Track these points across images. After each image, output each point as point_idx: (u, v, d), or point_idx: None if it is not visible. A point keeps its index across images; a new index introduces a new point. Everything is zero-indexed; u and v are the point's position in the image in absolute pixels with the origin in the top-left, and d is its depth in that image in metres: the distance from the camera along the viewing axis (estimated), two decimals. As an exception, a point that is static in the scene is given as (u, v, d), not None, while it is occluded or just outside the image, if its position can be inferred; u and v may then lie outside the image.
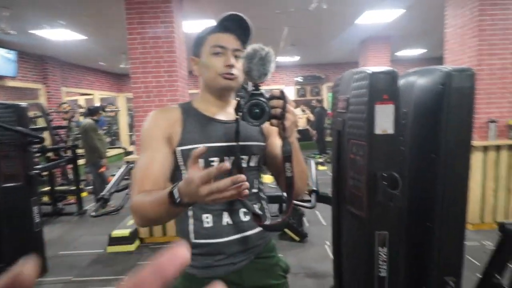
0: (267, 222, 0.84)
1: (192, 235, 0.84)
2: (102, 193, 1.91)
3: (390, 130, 1.25)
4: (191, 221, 0.84)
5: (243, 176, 0.58)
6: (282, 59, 7.56)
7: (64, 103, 5.70)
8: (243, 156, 0.86)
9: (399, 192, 1.19)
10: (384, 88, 1.22)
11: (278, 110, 0.72)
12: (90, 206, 4.52)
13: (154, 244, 3.16)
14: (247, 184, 0.60)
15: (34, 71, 5.92)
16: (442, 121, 1.28)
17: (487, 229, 3.07)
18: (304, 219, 3.55)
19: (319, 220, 3.65)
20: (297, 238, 3.02)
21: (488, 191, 3.07)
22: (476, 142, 3.02)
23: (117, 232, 3.11)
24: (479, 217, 3.10)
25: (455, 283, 1.37)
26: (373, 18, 4.57)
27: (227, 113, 0.90)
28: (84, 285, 2.48)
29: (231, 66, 0.82)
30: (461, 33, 3.09)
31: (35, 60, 5.92)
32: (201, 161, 0.81)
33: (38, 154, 4.47)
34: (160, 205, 0.68)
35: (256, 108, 0.71)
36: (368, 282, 1.36)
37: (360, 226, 1.39)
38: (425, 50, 7.56)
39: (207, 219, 0.83)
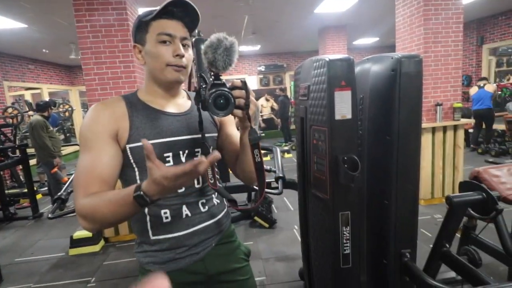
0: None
1: (150, 232, 0.83)
2: (59, 194, 1.79)
3: (348, 115, 1.31)
4: (148, 218, 0.82)
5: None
6: (244, 48, 7.52)
7: (9, 107, 5.17)
8: (198, 149, 0.85)
9: (359, 174, 1.26)
10: (341, 75, 1.27)
11: (242, 100, 0.72)
12: (46, 208, 4.22)
13: (120, 243, 3.05)
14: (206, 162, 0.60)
15: (-33, 64, 5.28)
16: (395, 105, 1.37)
17: (437, 203, 3.38)
18: (273, 206, 3.64)
19: (287, 205, 3.75)
20: (266, 225, 3.08)
21: (437, 169, 3.37)
22: (425, 124, 3.27)
23: (80, 233, 2.95)
24: (430, 193, 3.40)
25: (411, 254, 1.51)
26: (330, 7, 4.70)
27: (177, 105, 0.88)
28: (45, 292, 2.34)
29: (181, 56, 0.78)
30: (409, 22, 3.29)
31: (-33, 51, 5.27)
32: None
33: (-21, 156, 4.05)
34: (122, 207, 0.65)
35: (221, 99, 0.71)
36: (334, 260, 1.44)
37: (325, 208, 1.46)
38: (377, 39, 7.95)
39: (166, 215, 0.82)
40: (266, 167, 2.07)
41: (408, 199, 1.48)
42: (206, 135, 0.86)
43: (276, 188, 1.86)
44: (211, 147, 0.87)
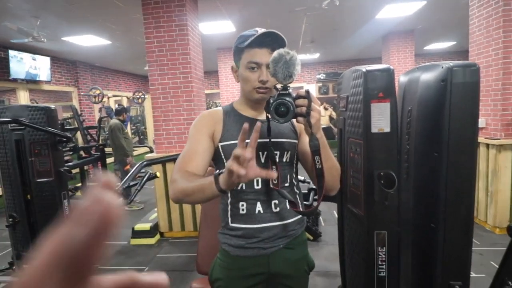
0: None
1: (229, 219, 0.97)
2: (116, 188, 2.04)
3: (386, 128, 1.23)
4: (229, 207, 0.97)
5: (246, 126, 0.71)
6: (302, 56, 7.49)
7: (94, 87, 6.05)
8: (276, 152, 0.95)
9: (394, 191, 1.18)
10: (379, 86, 1.21)
11: (304, 109, 0.79)
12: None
13: (173, 238, 3.30)
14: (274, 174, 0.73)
15: (67, 75, 6.35)
16: (444, 118, 1.24)
17: (517, 233, 2.87)
18: (320, 218, 3.53)
19: (335, 219, 3.60)
20: (311, 237, 3.01)
21: (518, 193, 2.88)
22: (503, 140, 2.83)
23: (139, 226, 3.28)
24: (508, 220, 2.91)
25: (462, 287, 1.33)
26: (394, 12, 4.41)
27: (263, 113, 0.99)
28: (109, 273, 2.66)
29: (264, 82, 0.91)
30: (486, 24, 2.90)
31: (67, 65, 6.35)
32: None
33: (70, 153, 4.82)
34: (203, 186, 0.79)
35: (282, 107, 0.79)
36: (368, 282, 1.35)
37: (360, 225, 1.38)
38: (454, 43, 7.14)
39: (242, 207, 0.95)
40: (300, 177, 2.04)
41: (459, 224, 1.31)
42: (283, 140, 0.97)
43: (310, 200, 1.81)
44: (288, 151, 0.98)
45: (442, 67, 1.25)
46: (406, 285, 1.51)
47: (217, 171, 0.83)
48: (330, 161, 0.90)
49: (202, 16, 3.63)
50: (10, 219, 2.58)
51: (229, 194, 0.96)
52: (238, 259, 0.96)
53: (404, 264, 1.50)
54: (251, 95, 0.95)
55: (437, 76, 1.28)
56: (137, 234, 3.25)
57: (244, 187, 0.95)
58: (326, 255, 2.72)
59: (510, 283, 1.33)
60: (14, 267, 2.57)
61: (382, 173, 1.22)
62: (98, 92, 5.91)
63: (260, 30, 0.91)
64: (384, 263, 1.31)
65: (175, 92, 3.13)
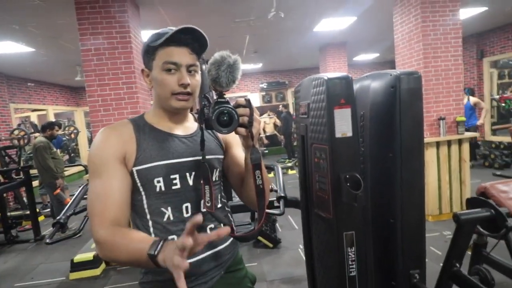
0: (240, 233, 0.85)
1: None
2: (57, 218, 1.76)
3: (349, 133, 1.30)
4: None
5: (199, 217, 0.58)
6: (246, 66, 7.64)
7: (16, 128, 5.26)
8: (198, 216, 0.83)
9: (362, 192, 1.24)
10: (340, 93, 1.27)
11: (246, 118, 0.72)
12: (48, 230, 4.18)
13: (121, 266, 2.99)
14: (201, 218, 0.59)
15: (-24, 88, 5.41)
16: (395, 121, 1.36)
17: (446, 219, 3.29)
18: (277, 224, 3.57)
19: (291, 224, 3.68)
20: (270, 245, 3.01)
21: (444, 184, 3.30)
22: (429, 138, 3.24)
23: (80, 257, 2.90)
24: (438, 208, 3.32)
25: (420, 275, 1.44)
26: (329, 26, 4.80)
27: (184, 127, 0.88)
28: None
29: (185, 86, 0.77)
30: (408, 38, 3.33)
31: (-24, 75, 5.42)
32: (160, 179, 0.78)
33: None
34: (136, 256, 0.66)
35: (224, 116, 0.71)
36: (340, 282, 1.38)
37: (328, 228, 1.42)
38: (377, 54, 8.05)
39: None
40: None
41: (414, 217, 1.44)
42: (211, 156, 0.85)
43: (278, 207, 1.82)
44: (217, 169, 0.88)
45: (391, 75, 1.38)
46: (371, 279, 1.59)
47: (151, 249, 0.62)
48: (264, 172, 0.81)
49: (144, 24, 3.44)
50: None
51: (151, 230, 0.78)
52: None
53: (368, 261, 1.58)
54: (169, 103, 0.79)
55: (387, 83, 1.40)
56: (77, 266, 2.86)
57: (171, 218, 0.79)
58: (288, 261, 2.74)
59: (457, 265, 1.50)
60: None
61: (348, 176, 1.27)
62: (22, 133, 5.12)
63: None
64: (354, 262, 1.36)
65: (118, 104, 2.88)
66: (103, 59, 2.81)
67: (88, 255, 2.88)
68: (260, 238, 3.02)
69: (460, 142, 3.31)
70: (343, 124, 1.30)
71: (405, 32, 3.38)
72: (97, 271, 2.85)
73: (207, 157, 0.83)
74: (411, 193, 1.40)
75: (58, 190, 3.74)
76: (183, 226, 0.78)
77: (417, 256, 1.46)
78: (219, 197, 0.90)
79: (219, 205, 0.89)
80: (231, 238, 0.91)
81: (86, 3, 2.74)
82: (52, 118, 7.23)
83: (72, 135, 6.95)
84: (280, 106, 8.00)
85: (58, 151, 6.60)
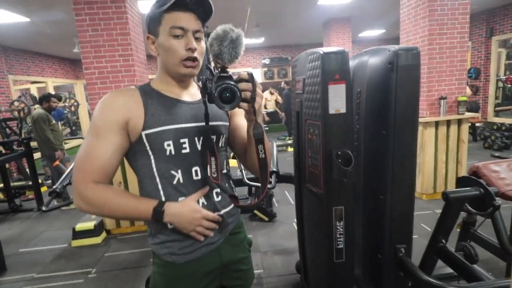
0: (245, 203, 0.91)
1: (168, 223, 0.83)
2: (54, 187, 1.81)
3: (342, 109, 1.29)
4: None
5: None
6: (248, 41, 7.46)
7: (16, 100, 5.24)
8: (213, 137, 0.85)
9: (352, 169, 1.25)
10: (335, 68, 1.25)
11: (248, 93, 0.72)
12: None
13: (122, 235, 3.09)
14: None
15: (-27, 58, 5.34)
16: (391, 98, 1.35)
17: (439, 199, 3.32)
18: (274, 199, 3.64)
19: (287, 199, 3.75)
20: (266, 218, 3.09)
21: (440, 164, 3.32)
22: (428, 118, 3.22)
23: (82, 225, 2.99)
24: (432, 187, 3.36)
25: (406, 249, 1.49)
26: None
27: (191, 94, 0.89)
28: (48, 281, 2.39)
29: (193, 50, 0.78)
30: (414, 13, 3.21)
31: (-27, 45, 5.33)
32: (170, 143, 0.80)
33: (-15, 149, 4.13)
34: (135, 211, 0.77)
35: (227, 92, 0.70)
36: (327, 254, 1.43)
37: (319, 203, 1.45)
38: (383, 31, 7.80)
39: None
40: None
41: (404, 194, 1.46)
42: (217, 123, 0.87)
43: (270, 182, 1.85)
44: (223, 135, 0.90)
45: (389, 51, 1.34)
46: (358, 252, 1.65)
47: (157, 204, 0.77)
48: (267, 144, 0.83)
49: (140, -7, 3.32)
50: None
51: (161, 192, 0.81)
52: (187, 265, 0.84)
53: (356, 234, 1.63)
54: (177, 69, 0.80)
55: (385, 59, 1.37)
56: (79, 234, 2.96)
57: (181, 181, 0.82)
58: (282, 234, 2.83)
59: (443, 240, 1.54)
60: None
61: (339, 152, 1.28)
62: (22, 105, 5.08)
63: None
64: (341, 236, 1.40)
65: (115, 77, 2.84)
66: (98, 30, 2.74)
67: (89, 224, 2.97)
68: (256, 212, 3.09)
69: (459, 122, 3.28)
70: (337, 100, 1.29)
71: (411, 7, 3.25)
72: (98, 239, 2.95)
73: (214, 123, 0.85)
74: (402, 170, 1.42)
75: (57, 162, 3.78)
76: (192, 188, 0.83)
77: (404, 231, 1.51)
78: (224, 163, 0.92)
79: (224, 171, 0.91)
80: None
81: (80, -30, 2.64)
82: (51, 91, 7.19)
83: (73, 108, 6.94)
84: (282, 82, 7.88)
85: (60, 124, 6.64)
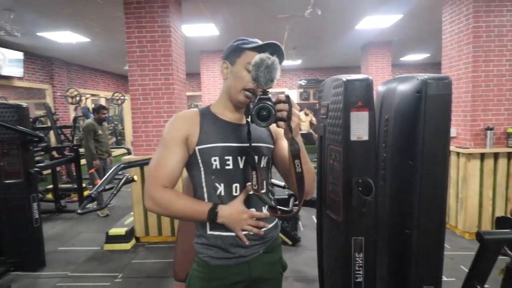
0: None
1: (208, 227, 0.94)
2: (90, 192, 1.96)
3: (365, 136, 1.27)
4: None
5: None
6: (284, 62, 7.57)
7: (71, 88, 5.87)
8: (255, 156, 0.93)
9: (372, 198, 1.21)
10: (359, 95, 1.24)
11: (284, 113, 0.80)
12: (90, 204, 4.60)
13: (150, 244, 3.22)
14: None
15: (41, 72, 6.07)
16: (418, 128, 1.29)
17: (483, 238, 3.02)
18: (300, 223, 3.57)
19: (314, 224, 3.65)
20: (289, 242, 3.03)
21: (486, 200, 3.04)
22: (472, 149, 2.99)
23: (114, 231, 3.18)
24: (477, 226, 3.07)
25: (433, 290, 1.38)
26: (373, 23, 4.58)
27: (241, 118, 1.00)
28: (79, 280, 2.55)
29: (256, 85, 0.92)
30: (457, 39, 3.08)
31: (42, 61, 6.07)
32: (216, 158, 0.92)
33: (42, 153, 4.59)
34: (193, 212, 0.89)
35: (264, 111, 0.79)
36: (345, 286, 1.37)
37: (338, 231, 1.40)
38: (428, 55, 7.50)
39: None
40: (280, 183, 2.05)
41: (432, 230, 1.36)
42: (260, 144, 0.98)
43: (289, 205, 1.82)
44: (265, 156, 0.99)
45: (418, 79, 1.31)
46: (381, 289, 1.54)
47: (212, 206, 0.88)
48: (307, 165, 0.92)
49: (185, 18, 3.60)
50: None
51: (207, 201, 0.94)
52: (218, 269, 0.94)
53: (379, 269, 1.53)
54: (237, 95, 0.94)
55: (413, 87, 1.33)
56: (111, 239, 3.14)
57: (223, 193, 0.94)
58: (305, 260, 2.74)
59: (478, 287, 1.39)
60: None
61: (360, 180, 1.25)
62: (75, 93, 5.72)
63: (261, 42, 0.94)
64: (361, 268, 1.34)
65: (155, 94, 3.07)
66: (145, 51, 3.01)
67: (121, 230, 3.14)
68: (280, 234, 3.04)
69: (510, 155, 3.01)
70: (359, 127, 1.27)
71: (454, 33, 3.12)
72: (127, 246, 3.10)
73: (257, 144, 0.96)
74: (430, 205, 1.33)
75: (93, 170, 4.08)
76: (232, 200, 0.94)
77: (433, 271, 1.39)
78: (264, 183, 0.99)
79: (263, 191, 0.98)
80: (274, 222, 1.03)
81: (133, -2, 2.95)
82: (103, 103, 7.88)
83: (119, 101, 7.25)
84: (318, 104, 7.85)
85: (107, 132, 7.16)
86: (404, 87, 1.42)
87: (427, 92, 1.27)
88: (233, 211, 0.89)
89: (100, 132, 4.21)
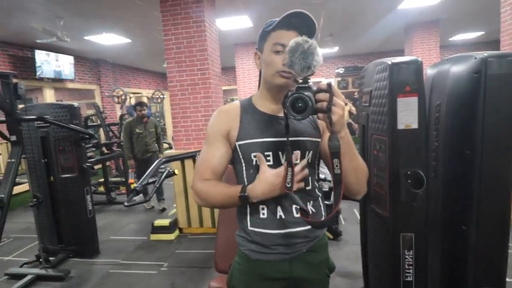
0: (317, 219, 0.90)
1: (248, 223, 0.91)
2: (136, 186, 2.07)
3: (414, 124, 1.16)
4: (248, 210, 0.91)
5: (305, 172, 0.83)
6: (321, 51, 7.33)
7: (117, 88, 6.26)
8: (296, 152, 0.86)
9: (423, 192, 1.11)
10: (406, 79, 1.14)
11: (324, 104, 0.70)
12: (137, 196, 4.90)
13: (192, 235, 3.33)
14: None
15: (90, 74, 6.54)
16: (478, 114, 1.15)
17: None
18: (341, 217, 3.45)
19: (356, 218, 3.52)
20: (330, 236, 2.95)
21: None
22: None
23: (159, 222, 3.34)
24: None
25: (496, 293, 1.24)
26: (417, 2, 4.21)
27: (282, 108, 0.92)
28: (129, 267, 2.72)
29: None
30: (521, 11, 2.71)
31: (90, 63, 6.53)
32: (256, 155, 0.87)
33: (93, 149, 4.97)
34: (228, 198, 0.86)
35: (300, 102, 0.70)
36: (394, 286, 1.29)
37: (384, 226, 1.32)
38: (482, 33, 6.75)
39: (263, 211, 0.89)
40: (321, 175, 1.97)
41: (493, 226, 1.22)
42: (304, 138, 0.89)
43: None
44: (310, 151, 0.90)
45: (476, 58, 1.16)
46: (434, 289, 1.43)
47: (240, 191, 0.84)
48: (356, 162, 0.81)
49: (219, 12, 3.60)
50: (35, 199, 2.67)
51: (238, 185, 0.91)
52: (258, 264, 0.91)
53: (432, 268, 1.42)
54: (274, 80, 0.86)
55: (470, 68, 1.19)
56: (156, 229, 3.30)
57: None
58: (347, 255, 2.65)
59: (550, 291, 1.23)
60: (40, 260, 2.67)
61: (409, 172, 1.15)
62: (121, 93, 6.08)
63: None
64: (411, 267, 1.25)
65: (193, 89, 3.13)
66: (181, 47, 3.07)
67: (165, 222, 3.29)
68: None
69: None
70: (408, 114, 1.17)
71: (517, 4, 2.76)
72: (171, 236, 3.25)
73: (299, 138, 0.88)
74: (492, 199, 1.19)
75: (131, 170, 4.14)
76: (271, 200, 0.87)
77: (494, 271, 1.25)
78: (310, 180, 0.91)
79: (308, 188, 0.91)
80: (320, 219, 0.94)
81: (169, -4, 3.01)
82: (145, 100, 8.29)
83: (159, 100, 7.58)
84: (356, 92, 7.50)
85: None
86: (458, 69, 1.27)
87: (487, 72, 1.12)
88: (265, 184, 0.82)
89: (138, 130, 3.99)
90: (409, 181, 1.13)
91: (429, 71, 1.47)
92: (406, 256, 1.25)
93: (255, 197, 0.83)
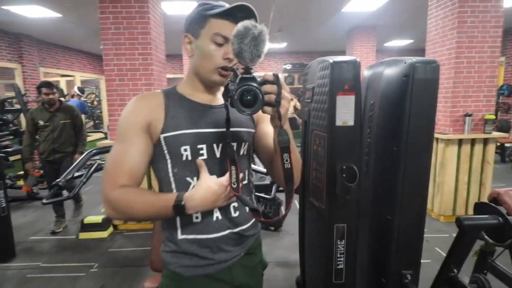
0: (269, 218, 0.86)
1: (179, 230, 0.79)
2: (57, 180, 1.84)
3: (350, 121, 1.22)
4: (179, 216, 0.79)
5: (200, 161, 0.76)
6: (269, 45, 7.45)
7: (90, 92, 5.45)
8: (233, 144, 0.80)
9: (356, 185, 1.18)
10: (346, 78, 1.18)
11: (272, 96, 0.64)
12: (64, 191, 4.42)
13: (128, 231, 3.13)
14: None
15: (9, 50, 5.64)
16: (404, 114, 1.26)
17: (458, 221, 3.13)
18: (282, 208, 3.56)
19: (296, 209, 3.66)
20: (272, 228, 3.02)
21: (462, 185, 3.13)
22: (451, 135, 3.04)
23: (90, 219, 3.05)
24: (451, 209, 3.17)
25: (412, 276, 1.39)
26: (359, 7, 4.51)
27: (215, 98, 0.85)
28: (52, 271, 2.44)
29: (230, 60, 0.76)
30: (442, 24, 3.06)
31: (9, 38, 5.63)
32: (187, 148, 0.77)
33: (11, 137, 4.32)
34: (157, 209, 0.72)
35: (248, 95, 0.64)
36: (326, 273, 1.36)
37: (320, 218, 1.38)
38: (412, 41, 7.55)
39: (197, 214, 0.78)
40: (261, 169, 2.00)
41: (413, 217, 1.37)
42: (240, 129, 0.83)
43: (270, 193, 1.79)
44: (246, 142, 0.84)
45: (405, 63, 1.26)
46: (361, 275, 1.55)
47: (176, 200, 0.71)
48: (296, 154, 0.78)
49: (164, -6, 3.38)
50: None
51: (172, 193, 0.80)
52: (196, 280, 0.80)
53: (360, 255, 1.53)
54: (209, 76, 0.78)
55: (400, 71, 1.29)
56: (87, 227, 3.02)
57: None
58: (286, 245, 2.75)
59: (455, 270, 1.42)
60: None
61: (344, 167, 1.21)
62: (93, 96, 5.33)
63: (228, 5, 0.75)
64: (342, 255, 1.32)
65: (133, 75, 2.90)
66: (120, 28, 2.81)
67: (97, 218, 3.02)
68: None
69: (485, 141, 3.08)
70: (345, 112, 1.22)
71: (439, 18, 3.10)
72: (104, 234, 3.00)
73: (235, 129, 0.81)
74: (413, 191, 1.32)
75: (36, 173, 3.44)
76: None
77: (412, 257, 1.40)
78: (246, 173, 0.86)
79: (245, 182, 0.85)
80: (252, 220, 0.87)
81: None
82: (79, 84, 7.48)
83: (95, 102, 7.17)
84: (302, 88, 7.81)
85: (84, 117, 6.85)
86: (391, 71, 1.37)
87: (414, 76, 1.23)
88: (205, 192, 0.72)
89: (41, 122, 2.94)
90: (344, 175, 1.19)
91: (365, 72, 1.56)
92: (339, 246, 1.33)
93: (193, 207, 0.71)
